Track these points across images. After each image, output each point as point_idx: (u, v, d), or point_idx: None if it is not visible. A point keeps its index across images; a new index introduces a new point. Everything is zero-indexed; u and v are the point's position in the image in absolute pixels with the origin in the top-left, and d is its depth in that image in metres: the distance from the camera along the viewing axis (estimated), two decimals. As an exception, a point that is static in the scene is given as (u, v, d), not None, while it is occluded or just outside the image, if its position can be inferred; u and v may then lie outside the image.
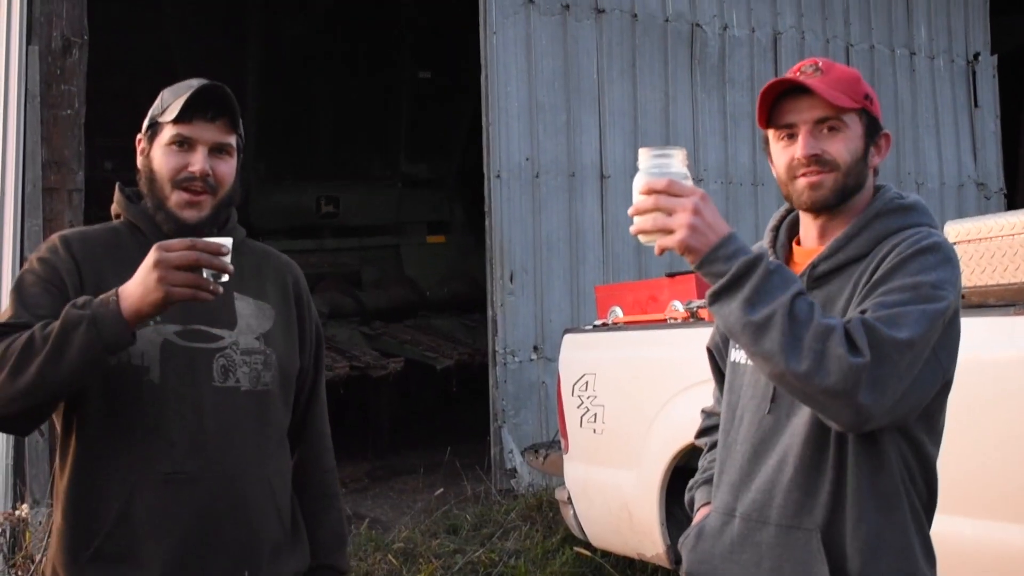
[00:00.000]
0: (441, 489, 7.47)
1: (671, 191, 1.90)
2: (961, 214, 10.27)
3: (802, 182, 2.12)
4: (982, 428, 3.40)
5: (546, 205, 8.20)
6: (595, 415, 5.07)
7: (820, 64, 2.15)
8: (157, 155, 2.28)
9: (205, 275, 2.01)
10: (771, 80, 2.16)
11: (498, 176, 7.95)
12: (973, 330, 3.52)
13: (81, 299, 2.06)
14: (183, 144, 2.26)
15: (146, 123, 2.32)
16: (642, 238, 1.95)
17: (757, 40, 9.47)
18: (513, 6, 8.13)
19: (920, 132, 10.50)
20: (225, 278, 2.05)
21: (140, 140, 2.34)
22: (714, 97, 9.16)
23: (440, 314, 11.28)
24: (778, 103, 2.16)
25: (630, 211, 1.94)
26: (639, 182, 1.92)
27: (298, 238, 11.10)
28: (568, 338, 5.48)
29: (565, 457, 5.41)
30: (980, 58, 10.96)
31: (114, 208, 2.39)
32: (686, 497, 2.52)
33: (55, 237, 2.31)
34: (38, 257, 2.26)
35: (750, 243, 2.01)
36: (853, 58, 10.06)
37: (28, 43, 6.60)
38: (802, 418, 2.07)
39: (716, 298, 1.92)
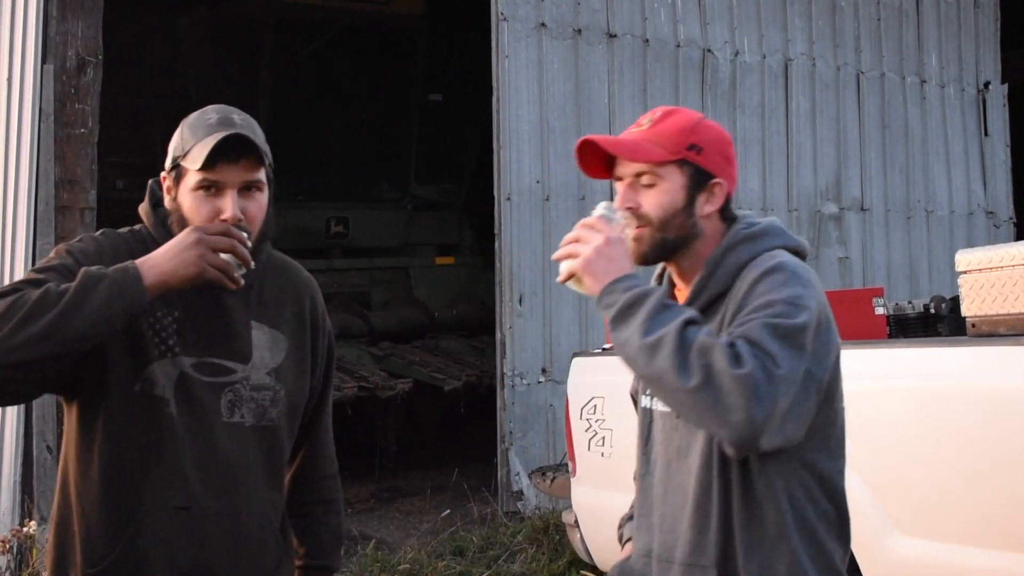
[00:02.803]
0: (448, 511, 7.48)
1: (593, 225, 2.07)
2: (971, 242, 10.27)
3: (628, 235, 2.17)
4: (992, 458, 3.39)
5: (556, 228, 8.20)
6: (603, 439, 5.06)
7: (657, 115, 2.21)
8: (186, 200, 2.25)
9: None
10: (579, 141, 2.23)
11: (508, 199, 7.97)
12: (983, 360, 3.53)
13: (95, 267, 2.08)
14: (211, 188, 2.23)
15: (169, 162, 2.30)
16: (561, 267, 2.11)
17: (768, 66, 9.50)
18: (525, 30, 8.17)
19: (930, 160, 10.50)
20: (243, 270, 2.16)
21: (165, 178, 2.32)
22: (725, 123, 9.17)
23: (448, 335, 11.28)
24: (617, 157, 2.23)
25: (562, 242, 2.12)
26: None
27: (307, 258, 11.12)
28: (577, 361, 5.49)
29: (573, 480, 5.40)
30: (991, 87, 10.97)
31: (143, 209, 2.38)
32: (617, 533, 2.53)
33: (89, 236, 2.31)
34: (78, 241, 2.27)
35: None
36: (864, 85, 10.08)
37: (43, 62, 6.65)
38: (694, 459, 2.12)
39: (615, 323, 2.01)
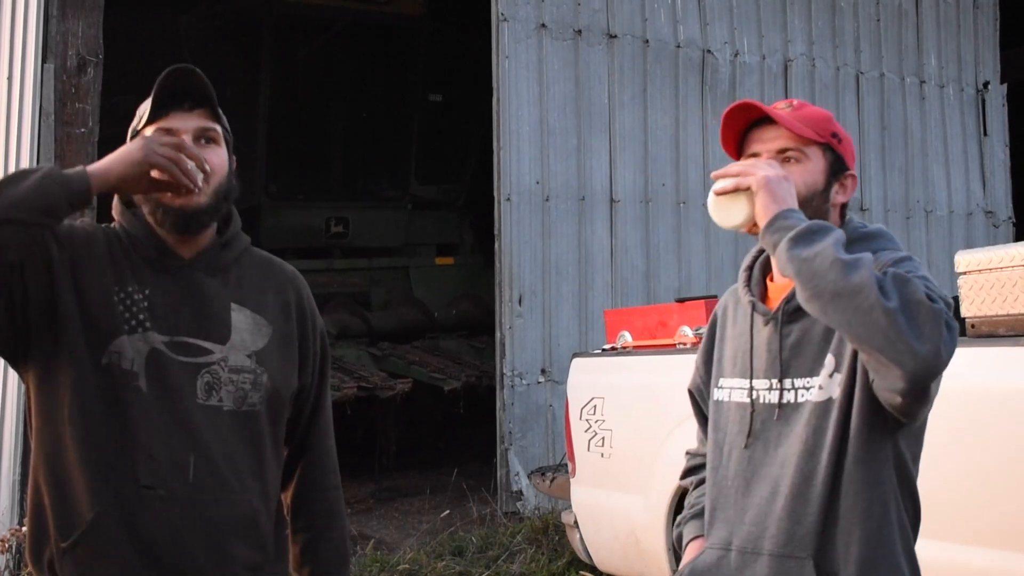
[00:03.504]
0: (447, 511, 7.48)
1: (770, 163, 2.05)
2: (970, 243, 10.27)
3: None
4: (991, 458, 3.40)
5: (555, 229, 8.22)
6: (603, 439, 5.07)
7: (794, 103, 2.21)
8: None
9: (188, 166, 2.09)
10: (733, 104, 2.19)
11: (508, 199, 7.97)
12: (982, 360, 3.53)
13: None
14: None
15: (129, 137, 2.27)
16: (717, 186, 2.06)
17: (768, 67, 9.50)
18: (526, 31, 8.17)
19: (929, 160, 10.51)
20: (200, 175, 2.11)
21: None
22: (724, 123, 9.17)
23: (448, 336, 11.28)
24: (746, 136, 2.20)
25: (729, 166, 2.07)
26: None
27: (307, 258, 11.13)
28: (577, 362, 5.49)
29: (572, 481, 5.41)
30: (990, 87, 10.97)
31: (114, 208, 2.34)
32: (674, 533, 2.52)
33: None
34: None
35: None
36: (863, 86, 10.08)
37: (43, 61, 6.65)
38: (790, 448, 2.10)
39: (798, 240, 1.94)
